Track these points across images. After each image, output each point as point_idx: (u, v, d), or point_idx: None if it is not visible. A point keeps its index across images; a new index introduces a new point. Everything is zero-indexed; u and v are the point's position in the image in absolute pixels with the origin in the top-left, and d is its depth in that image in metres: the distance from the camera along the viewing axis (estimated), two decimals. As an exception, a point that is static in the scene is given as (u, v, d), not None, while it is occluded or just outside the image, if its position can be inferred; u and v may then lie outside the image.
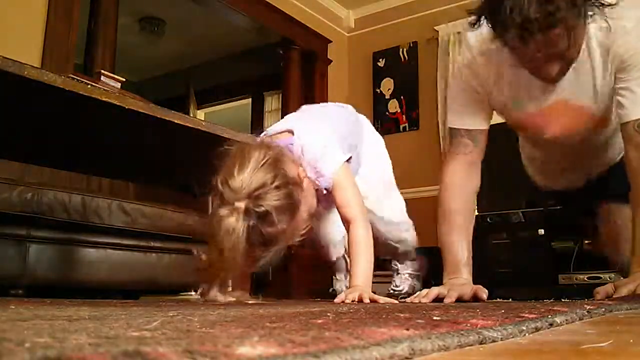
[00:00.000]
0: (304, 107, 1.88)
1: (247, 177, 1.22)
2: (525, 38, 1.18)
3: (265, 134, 1.56)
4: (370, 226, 1.51)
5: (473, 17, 1.27)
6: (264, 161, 1.26)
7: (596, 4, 1.23)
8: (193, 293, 1.26)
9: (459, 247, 1.50)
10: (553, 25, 1.15)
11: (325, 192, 1.47)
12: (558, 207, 2.28)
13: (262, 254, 1.26)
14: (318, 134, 1.51)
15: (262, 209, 1.21)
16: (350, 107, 1.87)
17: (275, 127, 1.58)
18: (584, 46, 1.34)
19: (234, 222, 1.18)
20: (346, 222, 1.48)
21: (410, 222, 1.95)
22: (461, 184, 1.56)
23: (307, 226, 1.37)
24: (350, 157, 1.52)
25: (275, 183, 1.24)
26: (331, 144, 1.50)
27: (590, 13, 1.23)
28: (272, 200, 1.22)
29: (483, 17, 1.25)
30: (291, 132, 1.49)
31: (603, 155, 1.73)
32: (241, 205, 1.20)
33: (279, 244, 1.29)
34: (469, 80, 1.51)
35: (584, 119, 1.49)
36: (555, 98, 1.44)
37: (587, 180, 1.82)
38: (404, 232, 1.92)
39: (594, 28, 1.34)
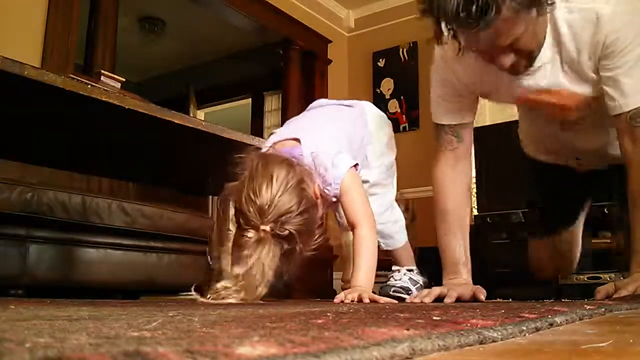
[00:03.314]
0: (311, 108, 1.85)
1: (274, 200, 1.26)
2: (458, 35, 1.17)
3: (272, 141, 1.54)
4: (376, 229, 1.51)
5: (421, 10, 1.23)
6: (290, 184, 1.29)
7: None
8: (194, 293, 1.27)
9: (456, 248, 1.50)
10: (484, 19, 1.12)
11: (334, 199, 1.48)
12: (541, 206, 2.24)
13: (280, 267, 1.32)
14: (326, 144, 1.51)
15: (285, 232, 1.27)
16: (357, 105, 1.84)
17: (281, 132, 1.57)
18: (550, 37, 1.31)
19: (268, 248, 1.24)
20: (351, 225, 1.48)
21: (399, 214, 1.89)
22: (450, 184, 1.55)
23: (319, 239, 1.40)
24: (357, 164, 1.52)
25: (300, 209, 1.29)
26: (340, 152, 1.50)
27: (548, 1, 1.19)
28: (296, 224, 1.28)
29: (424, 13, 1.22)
30: (298, 140, 1.50)
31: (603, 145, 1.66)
32: (267, 228, 1.25)
33: (295, 258, 1.34)
34: (447, 76, 1.49)
35: (570, 100, 1.44)
36: (530, 82, 1.40)
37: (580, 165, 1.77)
38: (390, 223, 1.87)
39: (564, 13, 1.29)
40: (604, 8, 1.28)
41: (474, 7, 1.10)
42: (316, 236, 1.38)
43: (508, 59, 1.26)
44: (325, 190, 1.45)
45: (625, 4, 1.31)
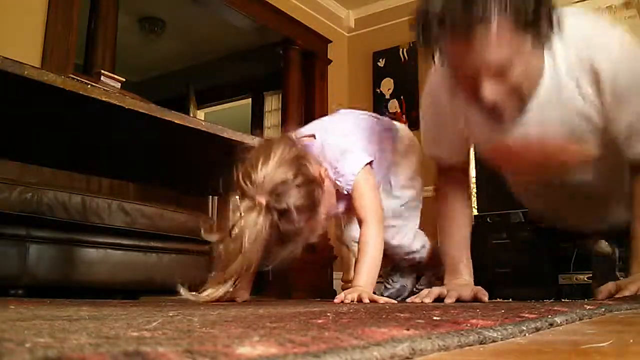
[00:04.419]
0: (340, 112, 1.80)
1: (269, 172, 1.22)
2: (447, 38, 1.08)
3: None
4: (383, 229, 1.49)
5: (413, 31, 1.14)
6: (287, 157, 1.26)
7: (547, 19, 1.09)
8: (191, 293, 1.25)
9: (459, 249, 1.51)
10: (473, 27, 1.04)
11: (346, 193, 1.47)
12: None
13: (277, 250, 1.26)
14: (340, 137, 1.51)
15: (283, 205, 1.21)
16: (387, 121, 1.78)
17: (300, 131, 1.57)
18: (549, 77, 1.20)
19: (255, 217, 1.18)
20: (359, 222, 1.48)
21: (422, 242, 1.83)
22: (454, 196, 1.55)
23: (324, 227, 1.37)
24: (372, 161, 1.51)
25: (297, 181, 1.24)
26: (354, 147, 1.49)
27: (544, 36, 1.11)
28: (292, 197, 1.23)
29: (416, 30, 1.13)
30: (314, 136, 1.50)
31: (600, 210, 1.58)
32: (262, 200, 1.20)
33: (295, 242, 1.29)
34: (437, 115, 1.44)
35: (557, 155, 1.35)
36: (518, 133, 1.29)
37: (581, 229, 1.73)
38: (413, 253, 1.83)
39: (564, 53, 1.19)
40: (603, 60, 1.19)
41: (461, 10, 1.04)
42: (320, 219, 1.33)
43: (493, 90, 1.12)
44: (337, 182, 1.45)
45: (627, 48, 1.22)
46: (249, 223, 1.18)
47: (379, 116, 1.80)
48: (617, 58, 1.20)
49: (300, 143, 1.36)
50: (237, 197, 1.24)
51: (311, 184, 1.28)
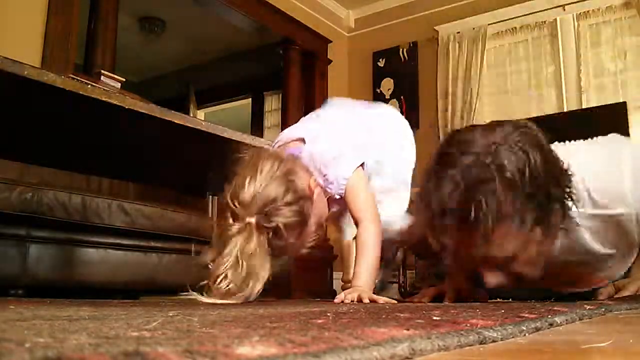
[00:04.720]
0: (327, 104, 1.76)
1: (258, 190, 1.22)
2: (446, 232, 1.03)
3: (279, 140, 1.54)
4: (380, 228, 1.48)
5: None
6: (275, 174, 1.25)
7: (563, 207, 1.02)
8: (195, 294, 1.23)
9: None
10: (475, 228, 0.97)
11: (338, 197, 1.47)
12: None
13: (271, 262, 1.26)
14: (329, 143, 1.49)
15: (272, 224, 1.21)
16: (377, 107, 1.76)
17: (288, 133, 1.55)
18: (562, 238, 1.13)
19: (245, 239, 1.18)
20: (355, 222, 1.48)
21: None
22: None
23: (315, 237, 1.37)
24: (363, 163, 1.51)
25: (286, 199, 1.23)
26: (345, 150, 1.48)
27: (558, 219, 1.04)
28: (282, 216, 1.22)
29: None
30: (303, 140, 1.48)
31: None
32: (252, 220, 1.20)
33: (287, 255, 1.30)
34: None
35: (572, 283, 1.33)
36: None
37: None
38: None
39: (584, 223, 1.15)
40: (623, 209, 1.14)
41: (460, 211, 0.99)
42: (311, 232, 1.33)
43: (495, 278, 1.08)
44: (328, 189, 1.44)
45: None
46: (239, 246, 1.17)
47: (369, 104, 1.77)
48: (636, 200, 1.15)
49: (289, 155, 1.35)
50: (227, 217, 1.23)
51: (301, 200, 1.27)
